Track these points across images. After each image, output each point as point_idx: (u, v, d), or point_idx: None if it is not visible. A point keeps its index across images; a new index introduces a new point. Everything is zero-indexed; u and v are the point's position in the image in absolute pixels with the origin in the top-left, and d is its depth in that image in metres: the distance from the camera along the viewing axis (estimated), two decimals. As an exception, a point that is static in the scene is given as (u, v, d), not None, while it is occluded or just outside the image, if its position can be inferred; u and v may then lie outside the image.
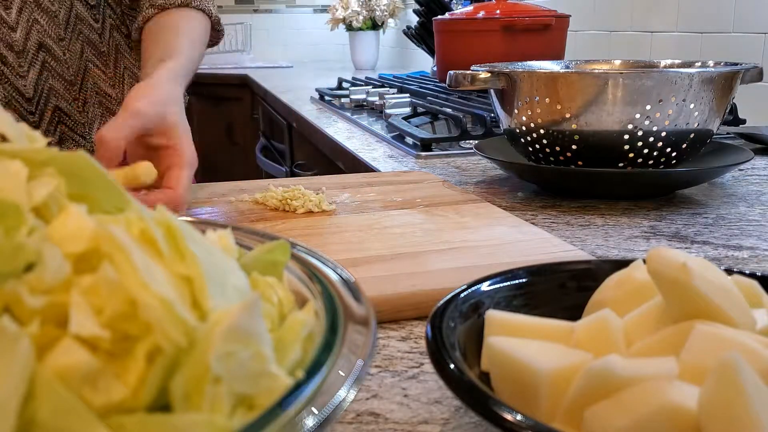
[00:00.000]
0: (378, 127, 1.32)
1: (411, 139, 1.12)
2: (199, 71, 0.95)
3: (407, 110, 1.39)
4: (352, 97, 1.62)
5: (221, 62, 3.12)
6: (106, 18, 0.91)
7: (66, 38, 0.86)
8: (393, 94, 1.60)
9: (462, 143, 1.10)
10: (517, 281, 0.41)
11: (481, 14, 1.50)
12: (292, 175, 1.86)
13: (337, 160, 1.25)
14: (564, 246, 0.58)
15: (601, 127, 0.75)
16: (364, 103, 1.60)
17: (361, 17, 2.91)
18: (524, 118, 0.80)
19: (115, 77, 0.91)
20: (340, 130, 1.35)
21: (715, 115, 0.77)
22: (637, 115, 0.74)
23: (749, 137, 1.07)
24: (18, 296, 0.23)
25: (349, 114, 1.51)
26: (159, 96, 0.66)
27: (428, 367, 0.42)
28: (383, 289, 0.49)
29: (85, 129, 0.75)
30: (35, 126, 0.87)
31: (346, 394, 0.25)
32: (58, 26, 0.85)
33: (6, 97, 0.84)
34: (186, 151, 0.65)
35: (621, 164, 0.77)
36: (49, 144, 0.28)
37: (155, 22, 0.85)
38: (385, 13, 2.92)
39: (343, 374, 0.25)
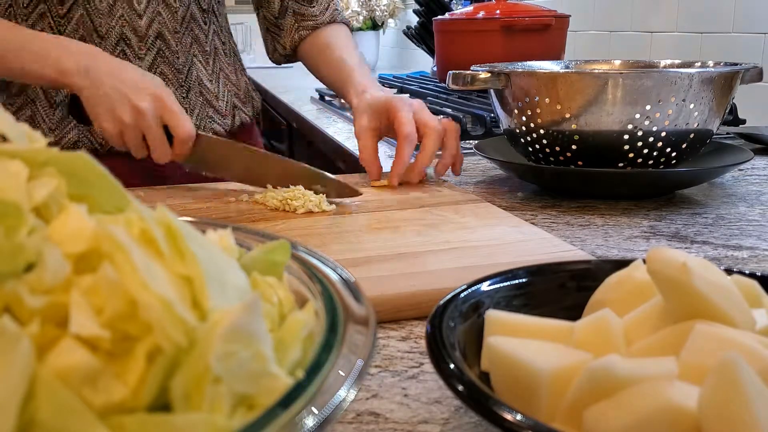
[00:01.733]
0: (378, 127, 1.31)
1: (411, 139, 1.12)
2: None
3: (407, 110, 1.39)
4: (352, 97, 1.62)
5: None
6: (211, 23, 1.02)
7: (180, 32, 0.96)
8: (393, 94, 1.60)
9: (462, 143, 1.10)
10: (517, 281, 0.41)
11: (481, 14, 1.50)
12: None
13: (337, 160, 1.25)
14: (564, 246, 0.58)
15: (601, 127, 0.75)
16: (364, 103, 1.59)
17: (361, 17, 2.91)
18: (524, 118, 0.80)
19: (213, 74, 1.01)
20: (340, 130, 1.35)
21: (715, 115, 0.77)
22: (637, 115, 0.74)
23: (749, 137, 1.07)
24: (18, 296, 0.23)
25: (349, 114, 1.51)
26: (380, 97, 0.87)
27: (428, 367, 0.42)
28: (383, 289, 0.49)
29: (186, 113, 0.82)
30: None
31: (346, 394, 0.25)
32: (175, 21, 0.95)
33: None
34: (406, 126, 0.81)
35: (621, 164, 0.77)
36: (59, 141, 0.28)
37: (313, 43, 1.02)
38: (385, 13, 2.92)
39: (343, 374, 0.25)
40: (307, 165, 0.80)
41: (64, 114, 0.90)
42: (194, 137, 0.78)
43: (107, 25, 0.90)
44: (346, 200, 0.75)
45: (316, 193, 0.75)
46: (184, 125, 0.77)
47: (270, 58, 1.10)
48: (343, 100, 1.66)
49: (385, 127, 0.86)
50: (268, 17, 1.05)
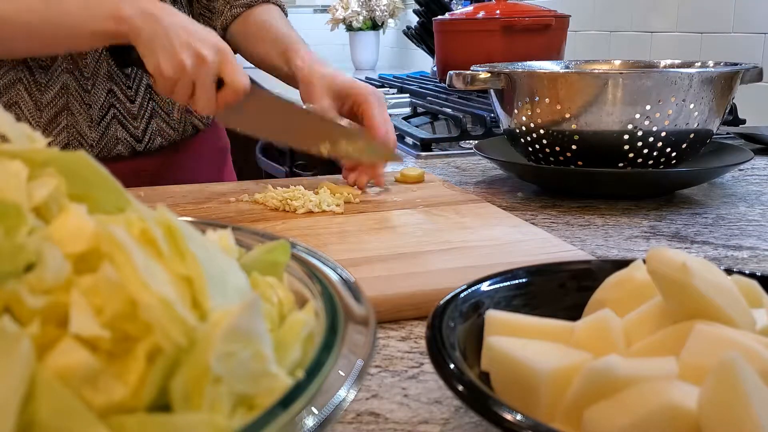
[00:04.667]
0: (378, 127, 1.31)
1: (411, 139, 1.12)
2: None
3: (407, 110, 1.39)
4: (352, 97, 1.62)
5: (221, 62, 3.10)
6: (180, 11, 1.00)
7: None
8: (393, 94, 1.60)
9: (462, 143, 1.10)
10: (517, 281, 0.41)
11: (481, 14, 1.50)
12: (292, 175, 1.86)
13: (337, 160, 1.24)
14: (564, 246, 0.58)
15: (601, 127, 0.75)
16: (364, 103, 1.59)
17: (361, 17, 2.91)
18: (524, 118, 0.80)
19: None
20: (340, 130, 1.34)
21: (715, 115, 0.77)
22: (637, 115, 0.74)
23: (749, 137, 1.07)
24: (18, 296, 0.23)
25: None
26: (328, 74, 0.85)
27: (428, 367, 0.42)
28: (383, 289, 0.49)
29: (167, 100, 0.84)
30: (131, 99, 0.94)
31: (346, 394, 0.25)
32: None
33: (108, 72, 0.93)
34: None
35: (621, 164, 0.77)
36: (50, 144, 0.28)
37: (247, 22, 0.99)
38: (385, 13, 2.92)
39: (343, 374, 0.25)
40: (353, 125, 0.80)
41: (109, 59, 0.89)
42: (249, 90, 0.78)
43: None
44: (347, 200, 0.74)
45: (355, 152, 0.77)
46: (241, 77, 0.77)
47: None
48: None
49: (346, 112, 0.83)
50: (201, 0, 1.03)
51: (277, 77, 0.99)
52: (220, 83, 0.77)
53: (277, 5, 1.03)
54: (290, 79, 0.92)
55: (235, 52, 1.07)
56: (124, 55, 0.81)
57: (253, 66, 1.03)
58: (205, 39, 0.76)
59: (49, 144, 0.28)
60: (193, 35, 0.76)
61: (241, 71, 0.78)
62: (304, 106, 0.82)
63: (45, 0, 0.79)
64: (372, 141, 0.78)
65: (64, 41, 0.81)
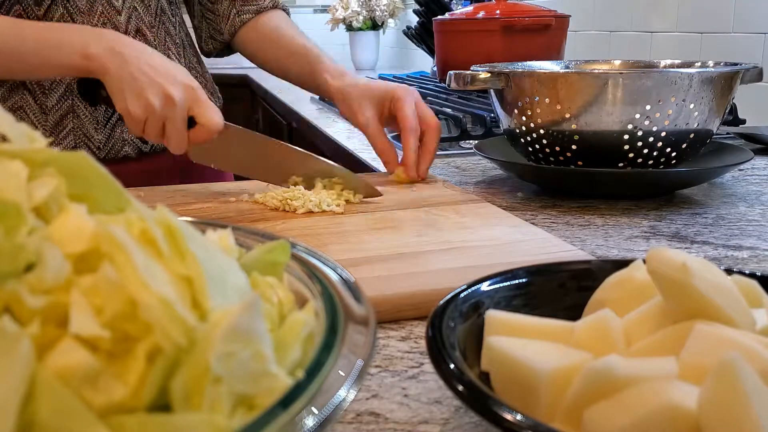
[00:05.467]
0: (378, 127, 1.31)
1: (411, 139, 1.11)
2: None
3: (407, 110, 1.39)
4: (352, 97, 1.62)
5: (221, 62, 3.10)
6: (176, 15, 1.03)
7: (155, 26, 0.96)
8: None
9: (462, 143, 1.10)
10: (517, 281, 0.41)
11: (481, 14, 1.50)
12: (292, 175, 1.85)
13: (337, 160, 1.24)
14: (564, 246, 0.58)
15: (601, 127, 0.75)
16: (364, 103, 1.59)
17: (361, 17, 2.91)
18: (524, 118, 0.79)
19: (186, 67, 1.01)
20: (340, 131, 1.35)
21: (715, 115, 0.77)
22: (637, 115, 0.74)
23: (749, 137, 1.07)
24: (18, 296, 0.23)
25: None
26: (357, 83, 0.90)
27: (428, 367, 0.42)
28: (383, 289, 0.49)
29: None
30: None
31: (346, 394, 0.25)
32: (150, 15, 0.95)
33: None
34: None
35: (621, 164, 0.77)
36: (56, 146, 0.28)
37: (258, 29, 1.01)
38: (385, 13, 2.92)
39: (343, 374, 0.25)
40: (330, 161, 0.79)
41: (76, 93, 0.88)
42: (222, 128, 0.77)
43: (88, 23, 0.88)
44: (366, 199, 0.74)
45: (331, 189, 0.76)
46: (214, 116, 0.76)
47: (202, 49, 1.08)
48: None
49: (386, 117, 0.88)
50: (203, 2, 1.04)
51: (292, 83, 1.01)
52: (191, 121, 0.76)
53: (283, 10, 1.04)
54: (315, 90, 0.97)
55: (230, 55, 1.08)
56: (94, 95, 0.80)
57: (256, 66, 1.03)
58: (174, 77, 0.75)
59: (54, 146, 0.28)
60: (162, 74, 0.74)
61: (214, 109, 0.76)
62: (275, 140, 0.81)
63: (17, 28, 0.79)
64: (349, 176, 0.77)
65: (34, 70, 0.81)
